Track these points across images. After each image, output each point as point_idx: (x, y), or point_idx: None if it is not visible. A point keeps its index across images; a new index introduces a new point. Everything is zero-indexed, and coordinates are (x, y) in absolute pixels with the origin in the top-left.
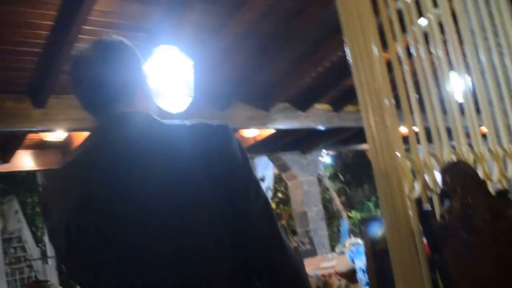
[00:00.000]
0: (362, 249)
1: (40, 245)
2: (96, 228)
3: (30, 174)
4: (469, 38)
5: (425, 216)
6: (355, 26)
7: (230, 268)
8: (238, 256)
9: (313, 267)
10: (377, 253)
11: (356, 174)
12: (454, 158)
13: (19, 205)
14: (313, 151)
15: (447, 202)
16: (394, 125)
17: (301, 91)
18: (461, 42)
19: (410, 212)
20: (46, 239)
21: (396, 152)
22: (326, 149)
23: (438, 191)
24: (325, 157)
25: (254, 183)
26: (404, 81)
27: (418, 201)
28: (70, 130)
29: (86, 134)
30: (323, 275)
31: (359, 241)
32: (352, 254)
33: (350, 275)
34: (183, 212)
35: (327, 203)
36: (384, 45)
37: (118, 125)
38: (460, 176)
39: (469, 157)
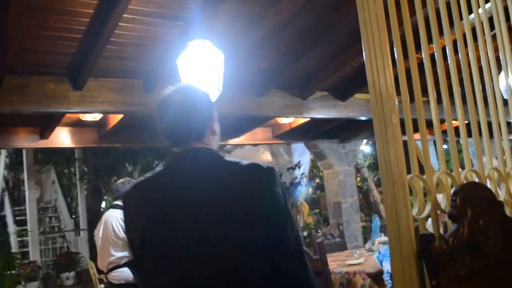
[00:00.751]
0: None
1: (73, 216)
2: (162, 239)
3: (71, 148)
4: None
5: (424, 239)
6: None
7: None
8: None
9: (339, 263)
10: None
11: None
12: (474, 177)
13: (56, 176)
14: (352, 140)
15: (455, 225)
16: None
17: (341, 80)
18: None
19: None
20: (79, 211)
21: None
22: (367, 138)
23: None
24: (365, 146)
25: (290, 221)
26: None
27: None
28: (105, 112)
29: (120, 116)
30: (348, 273)
31: None
32: (381, 256)
33: (377, 276)
34: (228, 237)
35: (365, 194)
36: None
37: (190, 157)
38: (473, 198)
39: (494, 176)
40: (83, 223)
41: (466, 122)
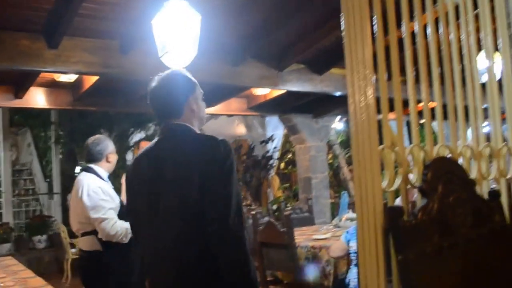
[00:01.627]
0: None
1: (47, 180)
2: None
3: (46, 110)
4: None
5: (393, 213)
6: None
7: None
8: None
9: (305, 237)
10: None
11: None
12: (447, 154)
13: (32, 139)
14: (326, 116)
15: (424, 200)
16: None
17: (318, 53)
18: None
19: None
20: (53, 174)
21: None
22: (341, 115)
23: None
24: (338, 123)
25: (235, 195)
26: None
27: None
28: (80, 73)
29: (95, 78)
30: (314, 247)
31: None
32: (349, 235)
33: (344, 258)
34: (177, 194)
35: (335, 171)
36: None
37: (168, 133)
38: (445, 174)
39: (467, 153)
40: (56, 187)
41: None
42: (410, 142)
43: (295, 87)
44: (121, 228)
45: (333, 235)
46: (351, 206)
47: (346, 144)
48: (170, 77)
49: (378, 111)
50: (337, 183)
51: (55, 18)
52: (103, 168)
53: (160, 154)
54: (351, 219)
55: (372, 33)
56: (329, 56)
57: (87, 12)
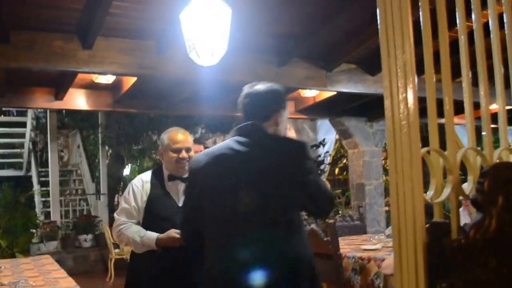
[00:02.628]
0: None
1: (95, 181)
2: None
3: (94, 112)
4: None
5: (437, 229)
6: None
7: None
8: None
9: (354, 246)
10: None
11: None
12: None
13: (81, 140)
14: (382, 119)
15: (479, 215)
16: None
17: (370, 52)
18: None
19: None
20: (101, 176)
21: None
22: None
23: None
24: None
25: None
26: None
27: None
28: (115, 73)
29: (133, 79)
30: (362, 258)
31: None
32: None
33: None
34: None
35: None
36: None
37: (241, 132)
38: (507, 183)
39: None
40: (103, 188)
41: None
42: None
43: (346, 88)
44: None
45: (385, 245)
46: None
47: None
48: (275, 86)
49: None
50: None
51: (87, 18)
52: (164, 167)
53: (249, 152)
54: None
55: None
56: None
57: (118, 11)
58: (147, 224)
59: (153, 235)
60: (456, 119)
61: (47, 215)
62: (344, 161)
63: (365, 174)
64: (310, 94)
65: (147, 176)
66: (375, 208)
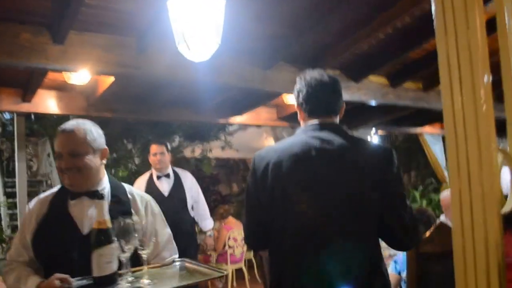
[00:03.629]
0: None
1: None
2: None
3: (65, 117)
4: None
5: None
6: None
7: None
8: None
9: None
10: (421, 256)
11: (404, 159)
12: None
13: (51, 149)
14: (360, 128)
15: None
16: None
17: (355, 58)
18: None
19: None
20: None
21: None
22: (376, 127)
23: None
24: (373, 137)
25: (401, 193)
26: None
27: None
28: (91, 71)
29: (110, 80)
30: None
31: None
32: (398, 266)
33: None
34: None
35: None
36: None
37: (321, 128)
38: None
39: None
40: None
41: None
42: None
43: None
44: None
45: None
46: None
47: None
48: (334, 78)
49: None
50: None
51: (59, 9)
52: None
53: (328, 148)
54: None
55: None
56: (368, 62)
57: (95, 2)
58: (42, 259)
59: (34, 283)
60: None
61: (14, 228)
62: None
63: None
64: (292, 101)
65: (50, 192)
66: None
